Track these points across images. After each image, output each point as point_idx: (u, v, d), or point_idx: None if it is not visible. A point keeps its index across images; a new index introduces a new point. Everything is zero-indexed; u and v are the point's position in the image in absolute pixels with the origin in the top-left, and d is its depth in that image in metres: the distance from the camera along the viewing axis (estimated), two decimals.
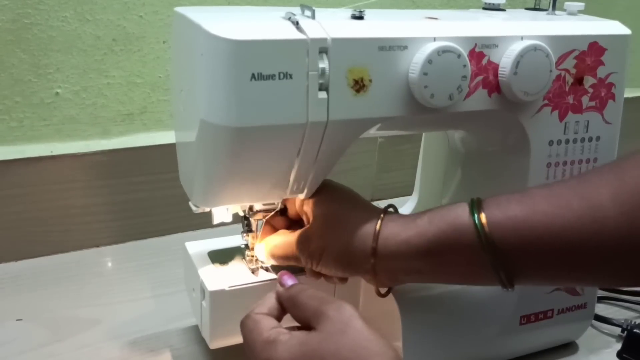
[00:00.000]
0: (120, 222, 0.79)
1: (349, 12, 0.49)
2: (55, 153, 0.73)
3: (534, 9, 0.64)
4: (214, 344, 0.55)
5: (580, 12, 0.61)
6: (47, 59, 0.71)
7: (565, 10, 0.61)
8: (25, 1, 0.69)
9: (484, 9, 0.62)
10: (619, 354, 0.58)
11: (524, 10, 0.64)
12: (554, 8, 0.61)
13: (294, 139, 0.46)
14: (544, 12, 0.61)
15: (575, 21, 0.57)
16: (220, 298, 0.53)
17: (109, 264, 0.76)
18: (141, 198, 0.79)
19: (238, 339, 0.56)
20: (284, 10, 0.47)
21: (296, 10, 0.48)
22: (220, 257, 0.58)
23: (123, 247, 0.80)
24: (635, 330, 0.58)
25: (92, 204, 0.77)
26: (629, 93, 1.18)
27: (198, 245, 0.60)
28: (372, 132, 0.51)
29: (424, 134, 0.67)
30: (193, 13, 0.46)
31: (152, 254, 0.78)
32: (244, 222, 0.57)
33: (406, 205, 0.69)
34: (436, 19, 0.52)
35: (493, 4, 0.61)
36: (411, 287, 0.56)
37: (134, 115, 0.78)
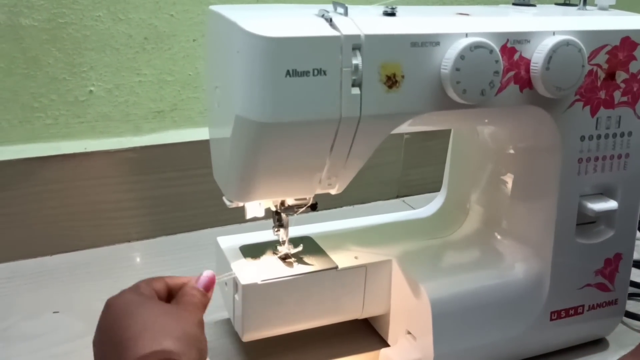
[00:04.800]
0: (151, 217, 0.80)
1: (381, 9, 0.50)
2: (89, 150, 0.75)
3: (565, 4, 0.64)
4: (247, 337, 0.56)
5: (611, 7, 0.61)
6: (81, 58, 0.73)
7: (596, 5, 0.61)
8: (60, 1, 0.70)
9: (514, 4, 0.62)
10: None
11: (554, 5, 0.64)
12: (585, 3, 0.60)
13: (327, 134, 0.47)
14: (575, 8, 0.61)
15: (607, 16, 0.57)
16: (253, 291, 0.54)
17: (140, 259, 0.78)
18: (171, 194, 0.81)
19: (270, 332, 0.58)
20: (317, 8, 0.48)
21: (329, 7, 0.49)
22: (252, 251, 0.59)
23: (154, 242, 0.81)
24: None
25: (124, 199, 0.78)
26: None
27: (230, 240, 0.61)
28: (404, 127, 0.52)
29: (452, 130, 0.67)
30: (228, 11, 0.47)
31: (183, 248, 0.79)
32: (275, 217, 0.57)
33: (434, 202, 0.69)
34: (467, 14, 0.53)
35: (523, 0, 0.61)
36: (442, 282, 0.56)
37: (165, 113, 0.79)
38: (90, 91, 0.74)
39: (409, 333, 0.58)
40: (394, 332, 0.60)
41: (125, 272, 0.74)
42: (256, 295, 0.55)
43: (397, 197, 0.99)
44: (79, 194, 0.75)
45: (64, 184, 0.74)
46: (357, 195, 0.95)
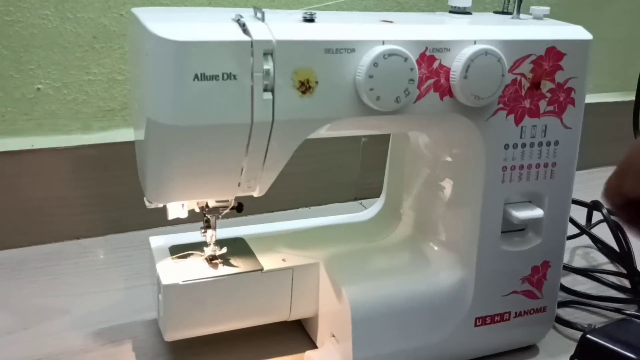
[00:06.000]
0: (100, 215, 0.81)
1: (301, 14, 0.50)
2: (36, 147, 0.75)
3: (502, 12, 0.64)
4: (170, 337, 0.57)
5: (546, 16, 0.61)
6: (29, 56, 0.73)
7: (531, 14, 0.62)
8: None
9: (451, 12, 0.62)
10: (572, 359, 0.58)
11: (492, 14, 0.64)
12: (518, 12, 0.61)
13: (240, 138, 0.48)
14: (510, 16, 0.62)
15: (536, 25, 0.57)
16: (174, 291, 0.55)
17: (87, 256, 0.78)
18: (121, 192, 0.81)
19: (194, 332, 0.58)
20: (235, 12, 0.48)
21: (250, 12, 0.49)
22: (181, 251, 0.59)
23: (102, 239, 0.82)
24: (588, 335, 0.58)
25: (73, 196, 0.79)
26: (617, 97, 1.17)
27: (161, 240, 0.61)
28: (323, 132, 0.52)
29: (391, 135, 0.68)
30: (144, 14, 0.48)
31: (130, 247, 0.80)
32: (204, 218, 0.58)
33: (374, 206, 0.70)
34: (391, 22, 0.53)
35: (459, 8, 0.61)
36: (365, 286, 0.57)
37: (115, 111, 0.80)
38: (38, 89, 0.75)
39: (333, 336, 0.58)
40: (322, 335, 0.61)
41: (70, 269, 0.75)
42: (178, 296, 0.55)
43: (355, 199, 0.99)
44: (25, 190, 0.76)
45: (10, 180, 0.75)
46: (314, 197, 0.96)
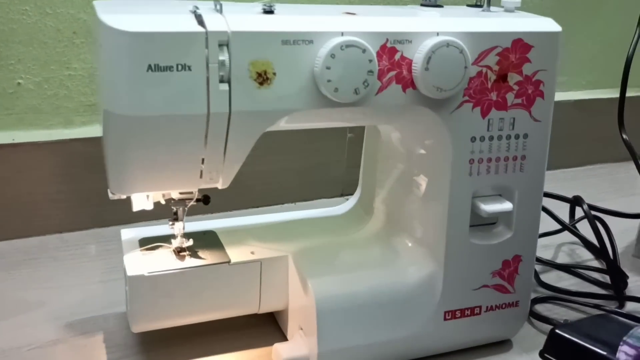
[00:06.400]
0: (83, 210, 0.81)
1: (261, 7, 0.50)
2: (17, 141, 0.76)
3: (475, 5, 0.64)
4: (136, 328, 0.57)
5: (517, 9, 0.61)
6: (9, 51, 0.74)
7: (502, 7, 0.61)
8: None
9: (422, 5, 0.62)
10: (541, 354, 0.58)
11: (464, 7, 0.64)
12: (489, 4, 0.61)
13: (198, 129, 0.48)
14: (481, 9, 0.61)
15: (503, 18, 0.57)
16: (139, 283, 0.55)
17: (68, 250, 0.79)
18: (104, 187, 0.81)
19: (161, 324, 0.58)
20: (192, 4, 0.49)
21: (210, 4, 0.49)
22: (151, 244, 0.59)
23: (85, 233, 0.82)
24: (557, 330, 0.57)
25: (55, 191, 0.79)
26: (612, 94, 1.15)
27: (133, 232, 0.62)
28: (284, 124, 0.52)
29: (365, 130, 0.67)
30: (103, 6, 0.48)
31: (111, 241, 0.80)
32: (173, 210, 0.58)
33: (350, 200, 0.70)
34: (354, 14, 0.53)
35: (430, 0, 0.61)
36: (331, 279, 0.57)
37: (96, 106, 0.80)
38: (19, 83, 0.76)
39: (302, 329, 0.58)
40: (292, 328, 0.61)
41: (50, 262, 0.75)
42: (143, 287, 0.55)
43: (342, 195, 0.99)
44: (6, 185, 0.76)
45: None
46: (300, 193, 0.96)
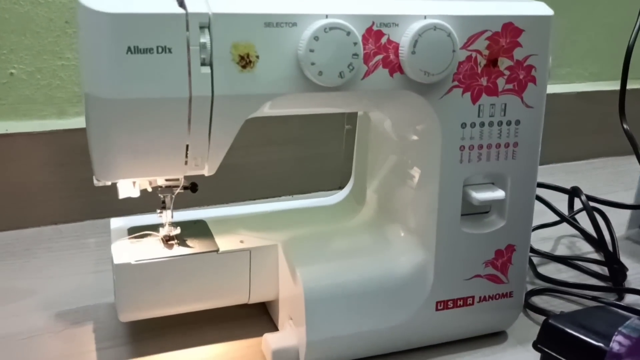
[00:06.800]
0: (77, 201, 0.81)
1: None
2: (10, 131, 0.76)
3: None
4: (124, 317, 0.57)
5: None
6: (1, 41, 0.74)
7: None
8: None
9: None
10: (534, 345, 0.56)
11: None
12: None
13: (180, 113, 0.47)
14: None
15: (493, 1, 0.56)
16: (126, 271, 0.55)
17: (63, 241, 0.78)
18: None
19: (149, 313, 0.58)
20: None
21: None
22: (139, 232, 0.59)
23: (80, 225, 0.82)
24: (550, 320, 0.56)
25: (50, 181, 0.79)
26: (615, 86, 1.14)
27: (122, 221, 0.61)
28: (269, 109, 0.51)
29: (357, 118, 0.67)
30: None
31: (105, 232, 0.79)
32: (160, 198, 0.58)
33: (344, 190, 0.69)
34: None
35: None
36: (321, 268, 0.56)
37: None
38: (11, 73, 0.76)
39: (291, 319, 0.58)
40: (282, 318, 0.60)
41: (44, 253, 0.75)
42: (130, 275, 0.55)
43: (340, 187, 0.98)
44: (0, 175, 0.76)
45: None
46: (299, 185, 0.95)
